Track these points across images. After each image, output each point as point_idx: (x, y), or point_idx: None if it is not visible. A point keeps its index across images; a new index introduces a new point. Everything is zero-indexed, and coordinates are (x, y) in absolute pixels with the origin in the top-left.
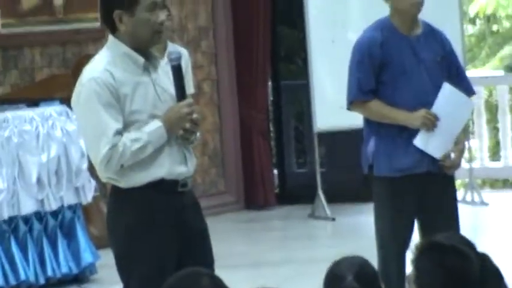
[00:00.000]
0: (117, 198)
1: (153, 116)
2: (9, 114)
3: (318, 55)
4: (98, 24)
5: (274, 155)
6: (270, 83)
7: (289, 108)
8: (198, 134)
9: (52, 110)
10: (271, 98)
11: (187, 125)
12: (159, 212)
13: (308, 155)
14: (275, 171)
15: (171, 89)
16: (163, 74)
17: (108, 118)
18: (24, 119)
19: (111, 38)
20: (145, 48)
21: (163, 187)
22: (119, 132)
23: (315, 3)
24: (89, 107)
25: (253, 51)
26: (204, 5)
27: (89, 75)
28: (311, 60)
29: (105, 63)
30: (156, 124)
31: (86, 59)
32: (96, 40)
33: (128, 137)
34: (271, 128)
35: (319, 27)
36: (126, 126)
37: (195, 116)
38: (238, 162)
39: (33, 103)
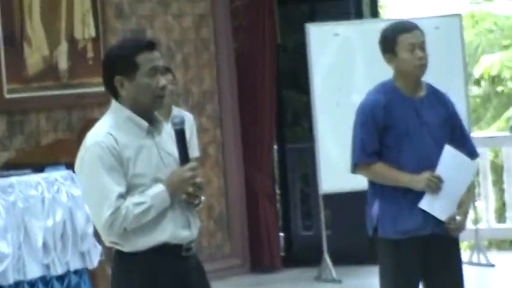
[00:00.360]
0: (121, 262)
1: (156, 180)
2: (15, 179)
3: (323, 118)
4: (102, 88)
5: (280, 218)
6: (275, 146)
7: (295, 170)
8: (202, 197)
9: (57, 174)
10: (276, 161)
11: (190, 189)
12: (163, 277)
13: (314, 217)
14: (281, 234)
15: (175, 152)
16: (168, 137)
17: (111, 182)
18: (29, 184)
19: (114, 102)
20: (148, 112)
21: (167, 251)
22: (122, 196)
23: (320, 67)
24: (92, 171)
25: (258, 114)
26: (209, 69)
27: (92, 139)
28: (316, 123)
29: (108, 127)
30: (159, 188)
31: (91, 123)
32: (101, 104)
33: (130, 200)
34: (277, 191)
35: (324, 91)
36: (130, 190)
37: (198, 180)
38: (244, 225)
39: (39, 168)
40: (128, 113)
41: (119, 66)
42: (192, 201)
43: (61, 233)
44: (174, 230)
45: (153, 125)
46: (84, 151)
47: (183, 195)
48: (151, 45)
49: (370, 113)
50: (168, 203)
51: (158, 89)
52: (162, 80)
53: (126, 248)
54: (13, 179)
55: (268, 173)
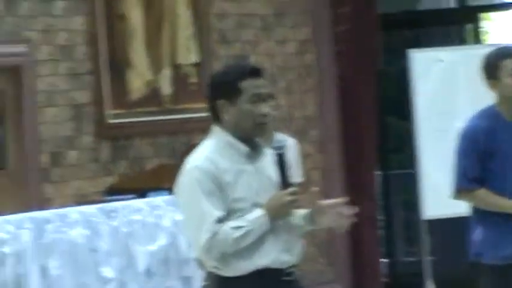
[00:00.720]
0: (221, 286)
1: (256, 205)
2: (118, 204)
3: (426, 144)
4: (205, 114)
5: (383, 244)
6: (378, 172)
7: (398, 196)
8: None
9: (160, 199)
10: (379, 187)
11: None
12: None
13: (417, 243)
14: (384, 260)
15: (275, 177)
16: (268, 162)
17: (210, 206)
18: (133, 209)
19: (215, 127)
20: (248, 138)
21: (268, 276)
22: (220, 220)
23: (423, 93)
24: (191, 195)
25: (361, 140)
26: (312, 94)
27: (192, 163)
28: (419, 148)
29: (208, 152)
30: (258, 212)
31: (194, 148)
32: (205, 130)
33: (229, 225)
34: (380, 217)
35: (427, 116)
36: (229, 214)
37: (299, 204)
38: (346, 251)
39: (142, 193)
40: (228, 137)
41: (222, 90)
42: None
43: (164, 258)
44: (274, 254)
45: (254, 150)
46: (184, 175)
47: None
48: (256, 72)
49: (472, 139)
50: (268, 228)
51: (260, 116)
52: (264, 108)
53: (227, 272)
54: (117, 204)
55: (371, 198)
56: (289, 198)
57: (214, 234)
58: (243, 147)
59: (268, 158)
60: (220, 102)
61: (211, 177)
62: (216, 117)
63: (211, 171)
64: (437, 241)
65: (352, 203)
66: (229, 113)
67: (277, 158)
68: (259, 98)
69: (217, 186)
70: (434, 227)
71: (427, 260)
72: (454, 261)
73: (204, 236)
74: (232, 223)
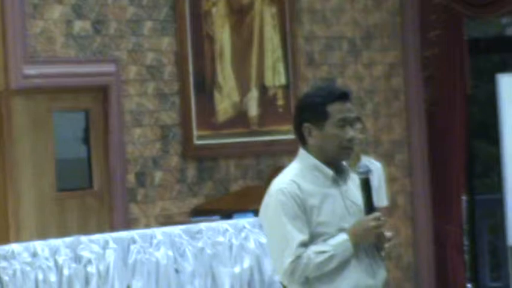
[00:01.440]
0: None
1: (340, 229)
2: (203, 225)
3: None
4: (292, 136)
5: (468, 269)
6: (464, 197)
7: (484, 221)
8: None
9: (245, 221)
10: (465, 211)
11: (386, 245)
12: None
13: (502, 268)
14: (469, 285)
15: (361, 201)
16: (354, 186)
17: (293, 229)
18: (217, 231)
19: (301, 150)
20: (333, 162)
21: None
22: (304, 244)
23: (511, 118)
24: (274, 217)
25: (449, 165)
26: (399, 118)
27: (277, 186)
28: (506, 174)
29: (293, 175)
30: (342, 237)
31: (280, 171)
32: (290, 152)
33: (312, 249)
34: (465, 242)
35: None
36: (313, 238)
37: (383, 230)
38: (432, 275)
39: (227, 214)
40: (314, 161)
41: (309, 113)
42: (379, 250)
43: (248, 280)
44: (358, 279)
45: (339, 174)
46: (268, 198)
47: (382, 252)
48: (344, 96)
49: None
50: (351, 253)
51: (345, 141)
52: (351, 132)
53: None
54: (202, 225)
55: (458, 223)
56: (373, 223)
57: (297, 258)
58: (329, 171)
59: (353, 182)
60: (307, 125)
61: (296, 200)
62: (302, 140)
63: (296, 194)
64: None
65: (438, 227)
66: (315, 136)
67: (363, 183)
68: (346, 122)
69: (302, 210)
70: None
71: None
72: None
73: (287, 260)
74: (315, 247)
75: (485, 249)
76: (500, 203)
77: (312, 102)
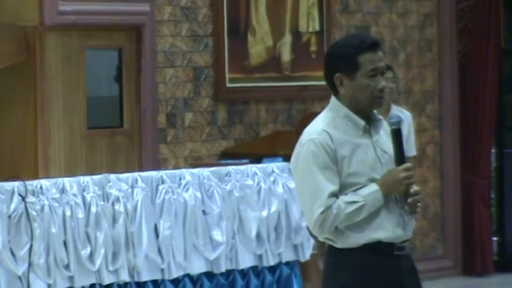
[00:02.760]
0: (333, 257)
1: (372, 180)
2: (232, 168)
3: None
4: (323, 82)
5: (495, 222)
6: (493, 150)
7: None
8: (419, 204)
9: (274, 166)
10: (494, 165)
11: (409, 200)
12: (375, 274)
13: None
14: (495, 239)
15: (391, 152)
16: (386, 136)
17: (324, 180)
18: (246, 174)
19: (333, 99)
20: (365, 111)
21: (380, 249)
22: (334, 195)
23: None
24: (305, 167)
25: (479, 117)
26: (431, 69)
27: (308, 136)
28: None
29: (324, 125)
30: (372, 187)
31: (310, 117)
32: (322, 98)
33: (342, 199)
34: (493, 195)
35: None
36: (343, 188)
37: (413, 180)
38: (458, 227)
39: (256, 158)
40: (345, 110)
41: (340, 63)
42: (414, 210)
43: (275, 225)
44: (388, 229)
45: (371, 124)
46: (300, 147)
47: (406, 206)
48: (375, 46)
49: None
50: (381, 203)
51: (377, 91)
52: (382, 82)
53: (339, 244)
54: (230, 168)
55: (486, 176)
56: (404, 174)
57: (328, 208)
58: (360, 121)
59: (385, 131)
60: (338, 75)
61: (327, 151)
62: (333, 89)
63: (327, 144)
64: None
65: (466, 179)
66: (346, 86)
67: (394, 133)
68: (377, 72)
69: (333, 160)
70: None
71: None
72: None
73: (318, 210)
74: (346, 198)
75: None
76: None
77: (343, 52)
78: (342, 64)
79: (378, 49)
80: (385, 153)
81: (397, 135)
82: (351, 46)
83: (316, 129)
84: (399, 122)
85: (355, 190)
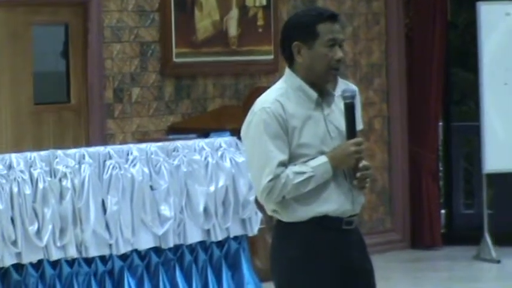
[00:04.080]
0: (281, 231)
1: (321, 152)
2: (179, 143)
3: (490, 97)
4: (271, 57)
5: (442, 195)
6: (441, 123)
7: (459, 148)
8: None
9: (222, 140)
10: (441, 138)
11: (358, 174)
12: (322, 248)
13: (476, 196)
14: (442, 211)
15: (343, 126)
16: (337, 110)
17: (274, 149)
18: (193, 149)
19: (287, 70)
20: (320, 83)
21: (327, 223)
22: (283, 164)
23: (489, 46)
24: (256, 136)
25: (426, 91)
26: (378, 42)
27: (260, 105)
28: (483, 102)
29: (278, 95)
30: (321, 159)
31: (257, 91)
32: (269, 73)
33: (291, 169)
34: (440, 168)
35: (492, 70)
36: (293, 159)
37: (363, 162)
38: (406, 200)
39: (204, 133)
40: (299, 82)
41: (299, 31)
42: (364, 185)
43: (223, 199)
44: (335, 203)
45: (323, 97)
46: (251, 116)
47: (354, 181)
48: (333, 17)
49: None
50: (330, 175)
51: (334, 61)
52: (339, 53)
53: (286, 217)
54: (178, 143)
55: (433, 149)
56: (354, 148)
57: (276, 177)
58: (313, 93)
59: (336, 106)
60: (296, 44)
61: (279, 120)
62: (289, 60)
63: (279, 114)
64: (496, 195)
65: (414, 153)
66: (303, 55)
67: (347, 107)
68: (335, 42)
69: (284, 130)
70: (494, 180)
71: (486, 213)
72: None
73: (266, 178)
74: (295, 168)
75: (460, 176)
76: (476, 131)
77: (302, 21)
78: (301, 32)
79: (337, 21)
80: (336, 128)
81: (350, 109)
82: (310, 15)
83: (269, 98)
84: (353, 97)
85: (304, 161)
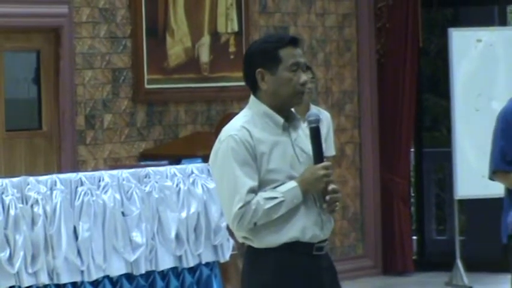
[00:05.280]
0: (252, 257)
1: (290, 177)
2: (151, 169)
3: (461, 123)
4: (243, 83)
5: (414, 221)
6: (412, 149)
7: (431, 174)
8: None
9: (193, 167)
10: (413, 164)
11: (327, 198)
12: (293, 274)
13: (448, 222)
14: (414, 238)
15: (311, 150)
16: (304, 135)
17: (243, 176)
18: (165, 175)
19: (252, 98)
20: (286, 108)
21: (298, 249)
22: (253, 191)
23: (461, 72)
24: (225, 164)
25: (398, 117)
26: (350, 69)
27: (227, 132)
28: (455, 128)
29: (243, 122)
30: (291, 184)
31: (229, 117)
32: (241, 99)
33: (261, 195)
34: (412, 194)
35: (464, 96)
36: (262, 185)
37: (332, 186)
38: (377, 227)
39: (176, 159)
40: (264, 108)
41: (261, 58)
42: (333, 209)
43: (194, 225)
44: (305, 228)
45: (290, 122)
46: (219, 144)
47: (324, 205)
48: (294, 41)
49: (511, 121)
50: (300, 200)
51: (299, 85)
52: (303, 77)
53: (257, 244)
54: (149, 169)
55: (405, 175)
56: (323, 172)
57: (246, 204)
58: (279, 118)
59: (303, 131)
60: (259, 71)
61: (247, 147)
62: (253, 87)
63: (246, 141)
64: (468, 221)
65: (385, 179)
66: (268, 81)
67: (312, 131)
68: (298, 67)
69: (252, 157)
70: (466, 206)
71: (458, 239)
72: (485, 241)
73: (237, 206)
74: (265, 194)
75: (432, 202)
76: (448, 157)
77: (263, 48)
78: (263, 59)
79: (298, 45)
80: (304, 152)
81: (315, 133)
82: (270, 42)
83: (236, 126)
84: (317, 120)
85: (274, 187)
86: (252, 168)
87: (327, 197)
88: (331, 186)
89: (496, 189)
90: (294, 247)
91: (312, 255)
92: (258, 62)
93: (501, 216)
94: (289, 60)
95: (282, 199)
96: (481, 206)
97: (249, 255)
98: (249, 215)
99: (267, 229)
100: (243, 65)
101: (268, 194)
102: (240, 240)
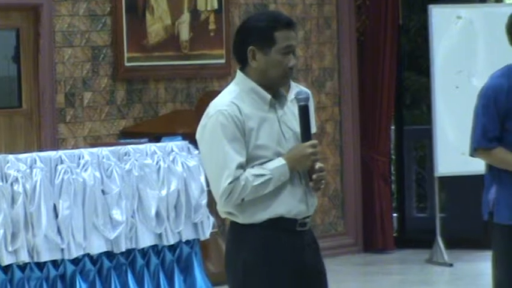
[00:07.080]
0: (236, 234)
1: (277, 154)
2: (131, 147)
3: (442, 101)
4: (222, 60)
5: (395, 199)
6: (393, 127)
7: (411, 152)
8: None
9: (173, 145)
10: (393, 142)
11: (314, 176)
12: (277, 250)
13: (428, 199)
14: (394, 215)
15: (296, 128)
16: (290, 113)
17: (232, 151)
18: (145, 153)
19: (239, 73)
20: (273, 87)
21: (282, 225)
22: (242, 166)
23: (441, 49)
24: (213, 139)
25: (378, 94)
26: (330, 46)
27: (216, 108)
28: (435, 105)
29: (232, 97)
30: (279, 161)
31: (209, 95)
32: (221, 77)
33: (250, 172)
34: (393, 172)
35: (444, 73)
36: (250, 161)
37: (318, 164)
38: (358, 204)
39: (155, 137)
40: (252, 84)
41: (255, 36)
42: (318, 187)
43: (175, 203)
44: (291, 205)
45: (276, 99)
46: (207, 119)
47: (310, 183)
48: (291, 24)
49: (493, 97)
50: (287, 177)
51: (287, 68)
52: (293, 60)
53: (241, 219)
54: (129, 147)
55: (385, 153)
56: (310, 150)
57: (235, 180)
58: (266, 95)
59: (289, 108)
60: (251, 48)
61: (236, 122)
62: (242, 62)
63: (236, 116)
64: (448, 198)
65: (366, 156)
66: (259, 60)
67: (301, 110)
68: (290, 50)
69: (241, 132)
70: (446, 184)
71: (438, 216)
72: (465, 219)
73: (226, 181)
74: (253, 170)
75: (412, 179)
76: (428, 134)
77: (259, 26)
78: (258, 38)
79: (293, 28)
80: (289, 129)
81: (304, 111)
82: (268, 21)
83: (224, 101)
84: (307, 99)
85: (261, 163)
86: (241, 144)
87: (314, 175)
88: (318, 165)
89: (476, 166)
90: (278, 223)
91: (296, 231)
92: (252, 39)
93: (481, 194)
94: (284, 42)
95: (270, 176)
96: (461, 183)
97: (233, 231)
98: (238, 191)
99: (253, 205)
100: (235, 38)
101: (257, 170)
102: (223, 216)
